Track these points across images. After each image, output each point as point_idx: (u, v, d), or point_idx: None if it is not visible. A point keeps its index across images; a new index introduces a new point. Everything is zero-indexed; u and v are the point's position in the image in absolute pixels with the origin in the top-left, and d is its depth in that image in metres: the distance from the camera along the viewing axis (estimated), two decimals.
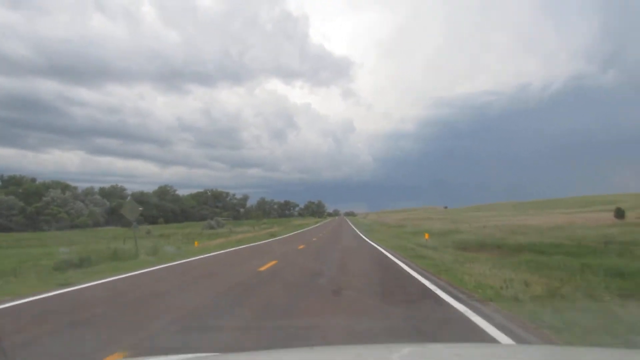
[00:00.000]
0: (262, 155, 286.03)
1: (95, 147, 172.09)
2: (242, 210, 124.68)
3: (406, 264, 10.14)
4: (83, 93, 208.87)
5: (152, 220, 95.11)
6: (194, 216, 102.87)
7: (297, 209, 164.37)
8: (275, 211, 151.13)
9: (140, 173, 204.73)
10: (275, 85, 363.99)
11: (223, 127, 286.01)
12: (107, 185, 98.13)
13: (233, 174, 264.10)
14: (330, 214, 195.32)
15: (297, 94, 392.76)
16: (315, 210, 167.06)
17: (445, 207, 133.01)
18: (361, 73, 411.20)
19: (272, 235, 29.26)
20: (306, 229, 47.67)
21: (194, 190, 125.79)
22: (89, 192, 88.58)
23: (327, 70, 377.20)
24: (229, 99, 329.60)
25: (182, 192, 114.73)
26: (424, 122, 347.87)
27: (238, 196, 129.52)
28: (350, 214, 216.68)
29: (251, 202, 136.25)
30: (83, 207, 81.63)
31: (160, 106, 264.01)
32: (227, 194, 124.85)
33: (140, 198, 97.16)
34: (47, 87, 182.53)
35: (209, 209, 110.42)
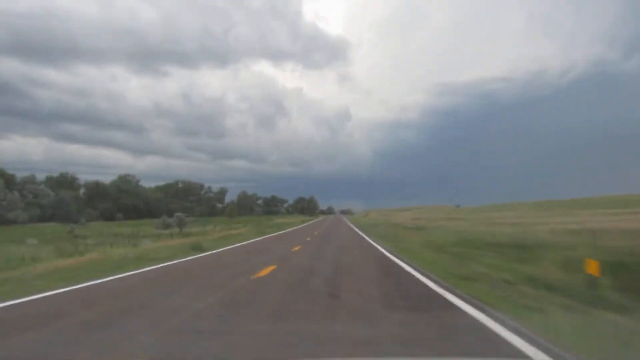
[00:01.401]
0: (247, 145, 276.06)
1: (61, 134, 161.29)
2: (219, 205, 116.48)
3: None
4: (48, 73, 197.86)
5: (109, 216, 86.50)
6: (160, 211, 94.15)
7: (285, 205, 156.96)
8: (260, 207, 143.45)
9: (111, 163, 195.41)
10: (263, 67, 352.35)
11: (204, 113, 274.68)
12: (55, 174, 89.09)
13: (215, 166, 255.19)
14: (323, 212, 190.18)
15: (287, 77, 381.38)
16: (305, 208, 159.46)
17: (458, 206, 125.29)
18: (359, 55, 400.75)
19: (219, 243, 19.99)
20: (285, 230, 38.90)
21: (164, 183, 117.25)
22: (28, 181, 78.78)
23: (321, 51, 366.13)
24: (211, 82, 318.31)
25: (150, 183, 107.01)
26: (428, 111, 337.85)
27: (215, 189, 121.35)
28: (346, 212, 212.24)
29: (232, 197, 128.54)
30: (17, 199, 71.98)
31: (134, 89, 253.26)
32: (202, 186, 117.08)
33: (95, 190, 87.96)
34: (7, 66, 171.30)
35: (179, 204, 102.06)
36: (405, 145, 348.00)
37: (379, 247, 17.23)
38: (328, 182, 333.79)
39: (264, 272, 9.62)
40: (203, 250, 16.36)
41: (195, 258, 13.70)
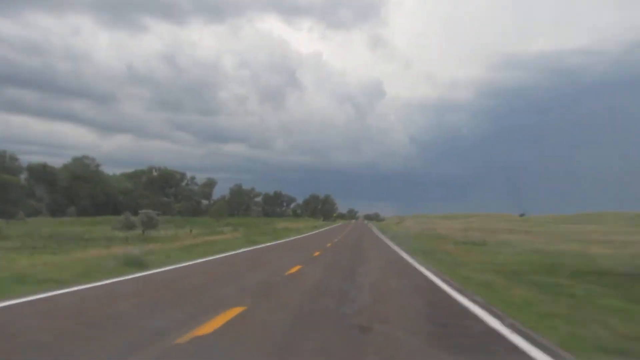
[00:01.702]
0: (247, 125, 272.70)
1: (5, 101, 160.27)
2: (205, 202, 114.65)
3: None
4: None
5: (58, 210, 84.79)
6: (126, 207, 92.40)
7: (292, 205, 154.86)
8: (260, 207, 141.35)
9: (68, 142, 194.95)
10: (272, 24, 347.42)
11: (193, 81, 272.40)
12: None
13: (204, 151, 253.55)
14: (342, 216, 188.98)
15: (303, 38, 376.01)
16: (319, 209, 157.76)
17: (522, 215, 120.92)
18: (398, 14, 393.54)
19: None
20: (286, 238, 36.14)
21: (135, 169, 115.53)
22: None
23: (348, 6, 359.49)
24: (203, 42, 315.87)
25: (117, 169, 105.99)
26: (485, 89, 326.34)
27: (200, 180, 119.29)
28: (373, 218, 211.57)
29: (223, 191, 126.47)
30: None
31: (103, 47, 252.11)
32: (183, 176, 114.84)
33: (41, 175, 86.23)
34: None
35: (153, 198, 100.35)
36: (454, 133, 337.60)
37: (428, 274, 13.82)
38: (350, 178, 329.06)
39: (204, 329, 6.22)
40: (143, 268, 13.20)
41: (110, 284, 10.46)
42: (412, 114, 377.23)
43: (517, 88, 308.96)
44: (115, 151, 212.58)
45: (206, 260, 16.75)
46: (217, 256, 18.60)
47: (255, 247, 25.02)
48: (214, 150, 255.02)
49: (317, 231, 57.80)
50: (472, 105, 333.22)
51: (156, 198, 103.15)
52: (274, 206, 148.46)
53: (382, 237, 44.12)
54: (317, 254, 20.98)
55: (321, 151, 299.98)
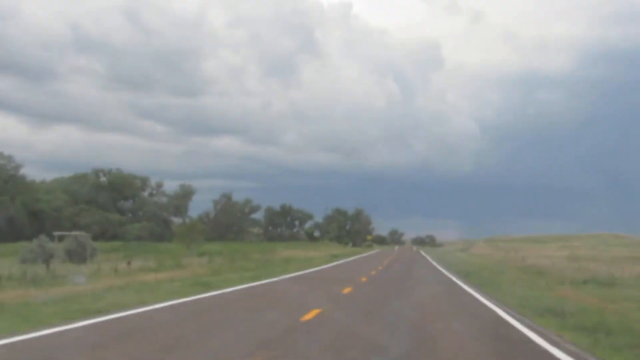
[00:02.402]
0: (244, 109, 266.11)
1: None
2: (177, 220, 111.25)
3: None
4: None
5: None
6: (58, 227, 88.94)
7: (308, 224, 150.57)
8: (261, 227, 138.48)
9: None
10: None
11: (166, 47, 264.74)
12: None
13: (184, 148, 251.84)
14: (380, 240, 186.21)
15: None
16: (346, 230, 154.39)
17: None
18: None
19: None
20: (275, 277, 30.55)
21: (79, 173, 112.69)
22: None
23: None
24: None
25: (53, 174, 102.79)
26: (590, 54, 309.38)
27: (171, 189, 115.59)
28: (425, 242, 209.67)
29: (205, 205, 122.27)
30: None
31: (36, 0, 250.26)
32: (144, 182, 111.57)
33: None
34: None
35: (98, 214, 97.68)
36: (546, 117, 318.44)
37: None
38: (393, 186, 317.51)
39: None
40: None
41: None
42: (484, 90, 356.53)
43: (634, 52, 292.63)
44: (55, 150, 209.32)
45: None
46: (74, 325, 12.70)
47: (194, 299, 19.03)
48: (196, 147, 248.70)
49: (334, 263, 52.37)
50: (569, 77, 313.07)
51: (102, 215, 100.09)
52: (280, 226, 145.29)
53: (447, 274, 37.93)
54: (311, 315, 14.71)
55: (351, 147, 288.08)
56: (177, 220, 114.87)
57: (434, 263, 56.19)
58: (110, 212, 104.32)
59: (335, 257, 61.73)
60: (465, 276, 33.96)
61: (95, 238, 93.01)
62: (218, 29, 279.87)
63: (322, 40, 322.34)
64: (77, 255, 55.84)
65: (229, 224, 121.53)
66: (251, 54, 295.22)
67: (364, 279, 29.61)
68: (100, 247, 75.41)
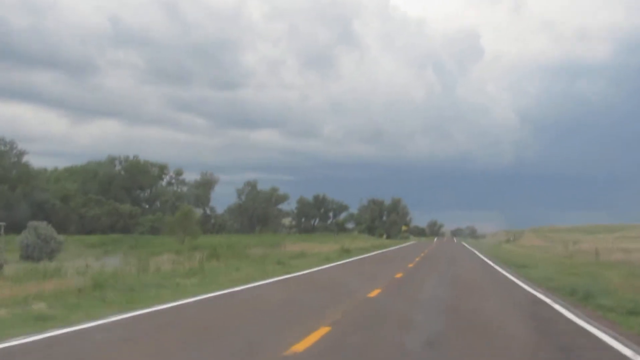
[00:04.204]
0: (283, 102, 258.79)
1: None
2: (200, 211, 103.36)
3: None
4: None
5: None
6: (63, 220, 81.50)
7: (343, 215, 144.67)
8: (293, 218, 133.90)
9: (28, 131, 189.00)
10: None
11: (205, 40, 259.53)
12: None
13: (223, 141, 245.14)
14: (418, 232, 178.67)
15: None
16: (383, 221, 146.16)
17: None
18: None
19: None
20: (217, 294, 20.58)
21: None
22: None
23: None
24: None
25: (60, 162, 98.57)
26: (634, 41, 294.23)
27: (190, 177, 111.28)
28: (465, 234, 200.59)
29: (229, 196, 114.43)
30: None
31: None
32: (161, 170, 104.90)
33: None
34: None
35: (108, 205, 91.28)
36: (587, 107, 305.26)
37: None
38: (432, 177, 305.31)
39: None
40: None
41: None
42: (524, 81, 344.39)
43: None
44: (98, 144, 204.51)
45: None
46: None
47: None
48: (235, 140, 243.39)
49: (353, 259, 42.19)
50: (613, 66, 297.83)
51: (112, 205, 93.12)
52: (314, 217, 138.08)
53: (515, 280, 26.24)
54: None
55: (390, 138, 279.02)
56: (199, 210, 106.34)
57: (486, 259, 45.95)
58: (123, 203, 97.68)
59: (347, 252, 50.62)
60: (550, 289, 20.28)
61: (104, 230, 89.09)
62: (256, 21, 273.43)
63: (360, 32, 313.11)
64: (37, 250, 49.83)
65: (255, 215, 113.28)
66: (289, 46, 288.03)
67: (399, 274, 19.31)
68: (89, 241, 69.49)
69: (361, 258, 45.22)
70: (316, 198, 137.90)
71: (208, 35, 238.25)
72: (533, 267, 32.30)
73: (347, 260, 41.04)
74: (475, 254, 58.06)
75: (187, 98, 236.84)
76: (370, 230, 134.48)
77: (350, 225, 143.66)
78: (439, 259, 46.76)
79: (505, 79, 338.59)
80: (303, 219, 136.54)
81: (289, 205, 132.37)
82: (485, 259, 45.81)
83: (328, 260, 39.22)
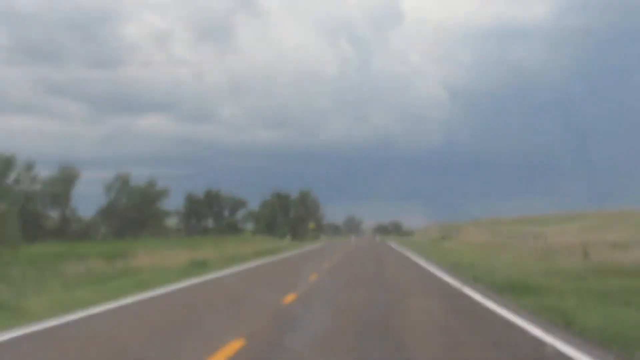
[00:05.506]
0: (173, 81, 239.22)
1: None
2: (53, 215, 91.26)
3: None
4: None
5: None
6: None
7: (241, 212, 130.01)
8: (182, 219, 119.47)
9: None
10: None
11: (77, 9, 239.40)
12: None
13: (104, 130, 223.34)
14: (332, 230, 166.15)
15: None
16: (290, 218, 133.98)
17: None
18: None
19: None
20: None
21: None
22: None
23: None
24: None
25: None
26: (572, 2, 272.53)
27: (44, 171, 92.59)
28: (390, 231, 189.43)
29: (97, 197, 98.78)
30: None
31: None
32: (8, 163, 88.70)
33: None
34: None
35: None
36: (524, 78, 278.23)
37: None
38: (349, 166, 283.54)
39: None
40: None
41: None
42: (451, 49, 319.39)
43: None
44: None
45: None
46: None
47: None
48: (119, 129, 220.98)
49: (186, 284, 24.48)
50: (551, 28, 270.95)
51: None
52: (206, 217, 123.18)
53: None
54: None
55: (299, 122, 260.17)
56: (51, 215, 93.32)
57: (435, 271, 29.82)
58: None
59: (200, 267, 33.21)
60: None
61: None
62: None
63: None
64: None
65: (129, 216, 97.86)
66: (179, 16, 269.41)
67: None
68: None
69: (271, 261, 26.34)
70: (208, 194, 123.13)
71: (82, 4, 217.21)
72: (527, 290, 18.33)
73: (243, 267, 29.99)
74: (410, 260, 41.82)
75: (59, 79, 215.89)
76: (271, 229, 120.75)
77: (249, 226, 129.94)
78: (355, 275, 29.33)
79: (429, 48, 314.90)
80: (193, 220, 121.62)
81: (175, 204, 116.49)
82: (433, 271, 29.82)
83: (144, 287, 22.52)
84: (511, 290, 18.31)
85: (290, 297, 17.66)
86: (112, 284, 23.93)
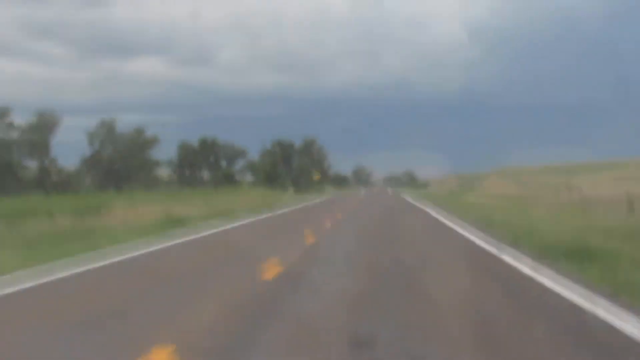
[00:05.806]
0: (166, 21, 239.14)
1: None
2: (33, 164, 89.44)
3: None
4: None
5: None
6: None
7: (240, 164, 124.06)
8: (174, 169, 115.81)
9: None
10: None
11: None
12: None
13: (91, 75, 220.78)
14: (340, 181, 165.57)
15: None
16: (292, 168, 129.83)
17: None
18: None
19: None
20: None
21: None
22: None
23: None
24: None
25: None
26: None
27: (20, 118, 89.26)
28: (403, 183, 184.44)
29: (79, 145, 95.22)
30: None
31: None
32: None
33: None
34: None
35: None
36: (560, 14, 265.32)
37: None
38: (360, 112, 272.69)
39: None
40: None
41: None
42: None
43: None
44: None
45: None
46: None
47: None
48: (108, 73, 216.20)
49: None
50: None
51: None
52: (201, 168, 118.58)
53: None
54: None
55: (307, 65, 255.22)
56: (31, 164, 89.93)
57: (469, 235, 23.97)
58: None
59: (177, 223, 30.40)
60: None
61: None
62: None
63: None
64: None
65: (114, 167, 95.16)
66: None
67: None
68: None
69: (162, 249, 20.37)
70: (203, 142, 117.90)
71: None
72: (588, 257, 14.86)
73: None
74: (430, 216, 37.22)
75: (41, 19, 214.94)
76: (272, 180, 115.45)
77: (250, 177, 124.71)
78: (365, 240, 23.79)
79: None
80: (187, 171, 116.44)
81: (167, 153, 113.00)
82: (461, 232, 25.09)
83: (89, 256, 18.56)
84: (566, 256, 14.88)
85: (273, 271, 13.91)
86: (62, 248, 19.85)
